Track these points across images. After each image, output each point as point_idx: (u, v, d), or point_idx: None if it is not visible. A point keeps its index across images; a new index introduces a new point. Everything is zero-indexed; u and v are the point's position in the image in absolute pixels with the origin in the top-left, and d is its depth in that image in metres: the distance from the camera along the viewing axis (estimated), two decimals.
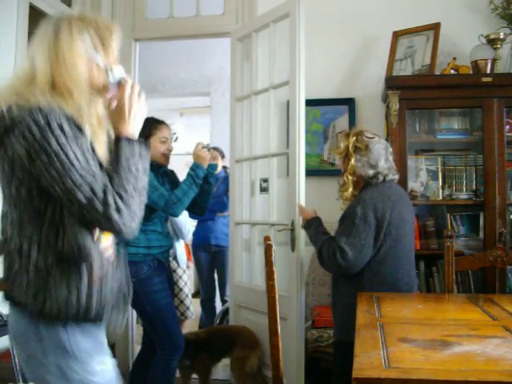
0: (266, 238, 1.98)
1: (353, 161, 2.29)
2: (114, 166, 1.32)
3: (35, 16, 3.08)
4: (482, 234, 2.87)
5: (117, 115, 1.38)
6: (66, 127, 1.24)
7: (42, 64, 1.30)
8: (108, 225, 1.28)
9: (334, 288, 2.35)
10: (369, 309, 1.82)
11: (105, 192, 1.26)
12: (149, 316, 2.55)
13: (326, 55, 3.35)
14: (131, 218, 1.30)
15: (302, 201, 2.78)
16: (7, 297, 1.36)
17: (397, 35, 3.21)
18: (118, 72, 1.39)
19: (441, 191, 2.99)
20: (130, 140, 1.36)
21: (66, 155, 1.22)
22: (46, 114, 1.22)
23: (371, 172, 2.27)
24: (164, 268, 2.65)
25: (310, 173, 3.09)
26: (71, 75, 1.31)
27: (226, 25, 3.48)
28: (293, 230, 2.79)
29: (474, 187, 2.97)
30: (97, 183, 1.25)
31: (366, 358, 1.23)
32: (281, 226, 2.90)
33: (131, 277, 2.39)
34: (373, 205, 2.18)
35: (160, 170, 2.68)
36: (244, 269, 3.23)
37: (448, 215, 3.00)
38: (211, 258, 4.28)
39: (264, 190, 3.16)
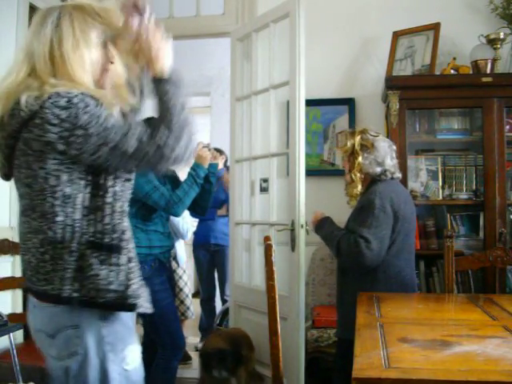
0: (266, 238, 1.98)
1: (360, 159, 2.30)
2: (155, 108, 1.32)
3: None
4: (482, 234, 2.87)
5: (140, 57, 1.35)
6: (88, 100, 1.25)
7: (43, 57, 1.29)
8: (161, 162, 1.29)
9: (343, 285, 2.33)
10: (369, 309, 1.83)
11: (150, 134, 1.27)
12: (150, 316, 2.54)
13: (325, 55, 3.35)
14: (179, 147, 1.29)
15: (302, 201, 2.78)
16: (35, 292, 1.34)
17: (397, 35, 3.21)
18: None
19: (441, 191, 3.00)
20: (159, 79, 1.33)
21: (98, 119, 1.23)
22: (64, 96, 1.23)
23: (379, 169, 2.30)
24: (165, 268, 2.65)
25: (310, 173, 3.10)
26: (77, 66, 1.30)
27: (226, 25, 3.48)
28: (293, 229, 2.79)
29: (474, 187, 2.97)
30: (137, 129, 1.27)
31: (366, 358, 1.23)
32: (281, 226, 2.90)
33: None
34: (389, 197, 2.22)
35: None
36: (244, 269, 3.23)
37: (448, 215, 3.00)
38: (211, 256, 4.28)
39: (264, 190, 3.16)
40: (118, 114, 1.31)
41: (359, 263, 2.18)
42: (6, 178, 1.41)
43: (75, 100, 1.23)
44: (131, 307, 1.32)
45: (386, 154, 2.32)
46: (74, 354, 1.30)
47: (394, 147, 2.40)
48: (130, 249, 1.37)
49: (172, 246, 2.81)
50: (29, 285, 1.36)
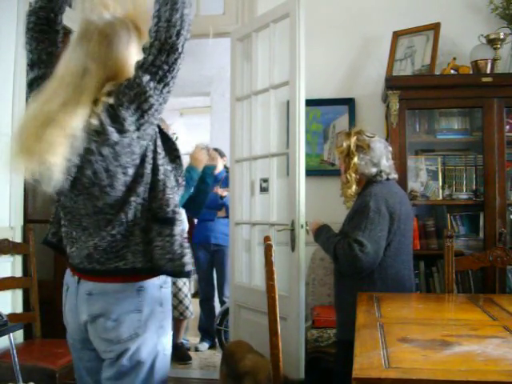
0: (266, 238, 1.98)
1: (355, 159, 2.31)
2: None
3: None
4: (482, 234, 2.87)
5: None
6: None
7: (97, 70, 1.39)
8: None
9: (340, 286, 2.33)
10: (369, 309, 1.83)
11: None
12: None
13: (325, 55, 3.35)
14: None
15: (302, 201, 2.78)
16: (104, 271, 1.44)
17: (397, 35, 3.21)
18: None
19: (441, 191, 2.99)
20: None
21: None
22: None
23: (374, 170, 2.31)
24: None
25: (310, 173, 3.10)
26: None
27: (226, 25, 3.48)
28: (293, 229, 2.79)
29: (474, 187, 2.97)
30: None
31: (366, 358, 1.23)
32: (281, 226, 2.89)
33: None
34: (384, 199, 2.23)
35: None
36: (244, 269, 3.23)
37: (448, 215, 3.00)
38: (211, 256, 4.29)
39: (264, 190, 3.16)
40: None
41: (355, 267, 2.18)
42: None
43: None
44: (188, 274, 1.44)
45: (381, 154, 2.33)
46: (134, 336, 1.43)
47: (390, 148, 2.41)
48: (182, 221, 1.50)
49: None
50: (95, 267, 1.45)
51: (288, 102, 2.92)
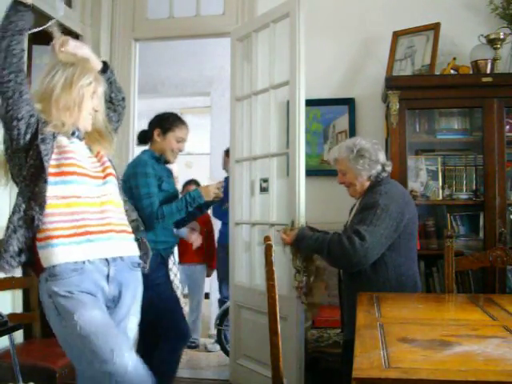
0: (266, 238, 1.98)
1: (358, 166, 2.32)
2: None
3: (35, 16, 3.07)
4: (481, 234, 2.88)
5: None
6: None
7: None
8: None
9: (349, 286, 2.30)
10: (369, 309, 1.83)
11: None
12: (156, 308, 2.53)
13: (326, 55, 3.35)
14: None
15: (302, 201, 2.78)
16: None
17: (397, 35, 3.21)
18: None
19: (441, 191, 2.99)
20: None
21: None
22: None
23: (379, 167, 2.32)
24: (165, 265, 2.69)
25: (310, 173, 3.09)
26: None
27: (226, 25, 3.48)
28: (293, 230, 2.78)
29: (474, 187, 2.97)
30: None
31: (366, 358, 1.23)
32: (281, 226, 2.89)
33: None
34: (395, 198, 2.23)
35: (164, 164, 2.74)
36: (244, 269, 3.23)
37: (448, 215, 3.00)
38: None
39: (264, 190, 3.16)
40: None
41: (350, 260, 2.14)
42: None
43: None
44: None
45: (374, 150, 2.33)
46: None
47: (375, 140, 2.41)
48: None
49: (176, 243, 2.82)
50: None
51: (288, 102, 2.92)
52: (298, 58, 2.78)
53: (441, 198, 2.99)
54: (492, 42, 3.01)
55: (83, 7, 3.56)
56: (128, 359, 1.64)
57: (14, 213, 1.64)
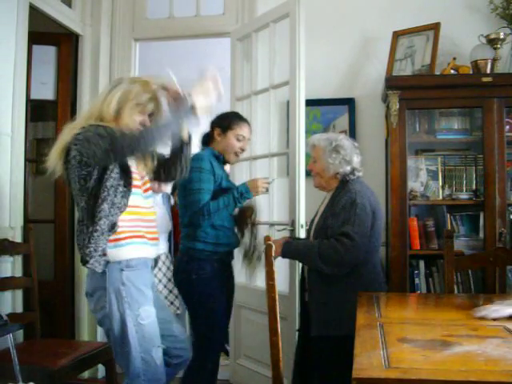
0: (266, 238, 1.98)
1: (329, 160, 2.31)
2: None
3: (35, 16, 3.08)
4: (482, 234, 2.87)
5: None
6: (101, 130, 1.86)
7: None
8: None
9: (319, 282, 2.28)
10: (369, 309, 1.83)
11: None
12: (197, 317, 2.48)
13: (325, 55, 3.35)
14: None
15: (302, 201, 2.78)
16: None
17: (397, 35, 3.21)
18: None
19: (441, 191, 3.00)
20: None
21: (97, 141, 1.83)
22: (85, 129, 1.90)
23: (348, 168, 2.31)
24: (226, 271, 2.56)
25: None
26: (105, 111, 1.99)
27: (225, 25, 3.48)
28: (293, 230, 2.79)
29: (474, 187, 2.97)
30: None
31: (366, 358, 1.23)
32: (281, 226, 2.90)
33: (193, 274, 2.43)
34: (367, 196, 2.25)
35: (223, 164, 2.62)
36: (244, 269, 3.23)
37: (448, 215, 3.00)
38: None
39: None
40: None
41: (343, 262, 2.16)
42: None
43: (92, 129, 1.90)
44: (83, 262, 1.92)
45: (352, 152, 2.34)
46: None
47: (357, 144, 2.41)
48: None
49: (237, 245, 2.65)
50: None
51: (288, 102, 2.92)
52: (297, 58, 2.78)
53: (441, 198, 2.99)
54: (492, 42, 3.01)
55: (83, 7, 3.56)
56: (160, 354, 1.98)
57: (100, 218, 1.86)
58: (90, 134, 1.85)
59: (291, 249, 2.32)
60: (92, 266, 1.87)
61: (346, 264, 2.17)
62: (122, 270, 1.91)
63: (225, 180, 2.54)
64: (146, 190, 2.07)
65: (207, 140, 2.65)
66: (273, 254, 2.30)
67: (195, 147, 2.40)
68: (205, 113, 1.99)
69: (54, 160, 1.94)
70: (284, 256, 2.35)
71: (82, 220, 1.91)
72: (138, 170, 2.05)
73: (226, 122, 2.58)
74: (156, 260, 2.43)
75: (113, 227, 1.89)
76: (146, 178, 2.10)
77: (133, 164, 2.01)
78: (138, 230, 1.98)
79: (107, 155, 1.83)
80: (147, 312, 1.94)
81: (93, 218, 1.87)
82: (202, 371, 2.45)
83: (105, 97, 2.01)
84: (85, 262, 1.89)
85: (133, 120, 1.99)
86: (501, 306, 1.72)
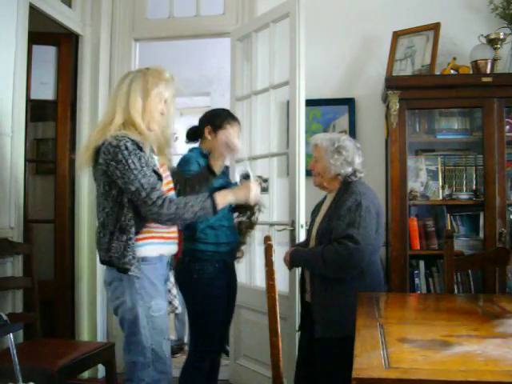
0: (266, 238, 1.98)
1: (330, 160, 2.31)
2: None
3: (35, 16, 3.08)
4: (482, 234, 2.88)
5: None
6: (129, 145, 1.87)
7: (118, 111, 1.97)
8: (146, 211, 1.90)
9: (328, 284, 2.27)
10: (369, 309, 1.83)
11: (152, 189, 1.87)
12: (195, 317, 2.48)
13: (326, 55, 3.35)
14: (168, 214, 1.90)
15: (302, 201, 2.78)
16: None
17: (397, 35, 3.21)
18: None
19: (441, 191, 3.00)
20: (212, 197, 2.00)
21: (127, 161, 1.86)
22: (117, 139, 1.88)
23: (349, 169, 2.31)
24: (228, 271, 2.54)
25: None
26: (135, 116, 1.96)
27: (225, 25, 3.48)
28: (293, 229, 2.79)
29: (474, 187, 2.97)
30: (145, 179, 1.86)
31: (366, 358, 1.23)
32: (281, 226, 2.90)
33: (194, 274, 2.43)
34: (371, 198, 2.25)
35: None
36: (244, 269, 3.23)
37: (448, 215, 3.00)
38: None
39: (264, 189, 3.15)
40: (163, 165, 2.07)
41: (348, 265, 2.16)
42: None
43: (120, 143, 1.88)
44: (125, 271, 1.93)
45: (354, 153, 2.33)
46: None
47: (359, 145, 2.41)
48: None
49: (238, 243, 2.60)
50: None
51: (288, 102, 2.92)
52: (297, 58, 2.78)
53: (441, 198, 2.99)
54: (492, 42, 3.01)
55: (83, 7, 3.56)
56: (169, 347, 2.05)
57: (131, 226, 1.90)
58: (124, 158, 1.87)
59: (297, 258, 2.35)
60: (134, 273, 1.90)
61: (352, 267, 2.18)
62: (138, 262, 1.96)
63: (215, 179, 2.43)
64: (168, 190, 2.06)
65: (194, 135, 2.58)
66: (286, 265, 2.42)
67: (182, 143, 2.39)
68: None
69: (82, 162, 2.00)
70: (293, 265, 2.41)
71: (107, 225, 1.93)
72: (162, 169, 2.04)
73: (218, 120, 2.51)
74: (172, 257, 2.41)
75: (138, 232, 1.93)
76: (169, 178, 2.10)
77: (157, 163, 2.03)
78: (158, 231, 2.00)
79: (133, 194, 1.89)
80: (159, 305, 1.98)
81: (120, 226, 1.90)
82: (197, 371, 2.45)
83: (127, 96, 1.98)
84: (125, 270, 1.90)
85: (158, 111, 2.01)
86: None
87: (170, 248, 2.09)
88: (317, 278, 2.30)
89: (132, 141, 1.89)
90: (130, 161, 1.86)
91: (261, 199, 2.54)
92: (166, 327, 2.03)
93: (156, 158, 2.06)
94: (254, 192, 2.13)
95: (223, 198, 2.04)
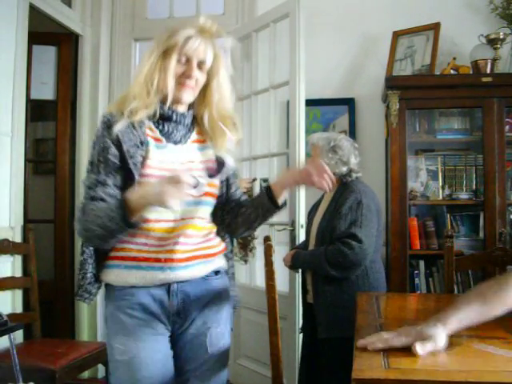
0: (266, 238, 1.98)
1: (325, 159, 2.31)
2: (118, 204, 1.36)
3: (35, 16, 3.08)
4: (482, 234, 2.88)
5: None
6: (100, 127, 1.46)
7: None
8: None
9: (332, 284, 2.27)
10: (369, 309, 1.82)
11: (88, 187, 1.42)
12: None
13: (325, 55, 3.35)
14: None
15: (302, 201, 2.78)
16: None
17: (397, 35, 3.21)
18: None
19: (441, 191, 3.00)
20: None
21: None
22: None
23: (344, 169, 2.31)
24: None
25: None
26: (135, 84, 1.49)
27: (225, 25, 3.47)
28: (293, 229, 2.79)
29: (474, 187, 2.97)
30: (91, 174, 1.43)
31: (366, 359, 1.23)
32: (281, 226, 2.90)
33: None
34: (371, 196, 2.26)
35: None
36: (244, 269, 3.23)
37: (448, 215, 3.00)
38: None
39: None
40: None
41: (352, 264, 2.16)
42: None
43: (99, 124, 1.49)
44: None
45: (350, 153, 2.34)
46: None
47: (356, 145, 2.41)
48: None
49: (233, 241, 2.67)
50: None
51: (288, 102, 2.92)
52: (297, 58, 2.78)
53: (441, 198, 2.99)
54: (492, 42, 3.01)
55: (83, 7, 3.56)
56: None
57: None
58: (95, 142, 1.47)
59: (299, 260, 2.36)
60: (81, 299, 1.70)
61: (355, 266, 2.18)
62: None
63: None
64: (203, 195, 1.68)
65: None
66: (284, 264, 2.41)
67: None
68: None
69: None
70: (294, 266, 2.41)
71: None
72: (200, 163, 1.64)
73: None
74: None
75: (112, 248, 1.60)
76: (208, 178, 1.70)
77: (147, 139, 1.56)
78: (130, 248, 1.53)
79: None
80: (126, 347, 1.45)
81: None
82: None
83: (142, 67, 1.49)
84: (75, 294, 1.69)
85: (172, 76, 1.48)
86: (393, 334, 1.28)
87: (152, 276, 1.44)
88: (319, 278, 2.30)
89: (104, 116, 1.47)
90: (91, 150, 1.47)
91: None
92: (136, 379, 1.41)
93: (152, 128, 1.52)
94: (170, 194, 1.27)
95: (136, 203, 1.33)
